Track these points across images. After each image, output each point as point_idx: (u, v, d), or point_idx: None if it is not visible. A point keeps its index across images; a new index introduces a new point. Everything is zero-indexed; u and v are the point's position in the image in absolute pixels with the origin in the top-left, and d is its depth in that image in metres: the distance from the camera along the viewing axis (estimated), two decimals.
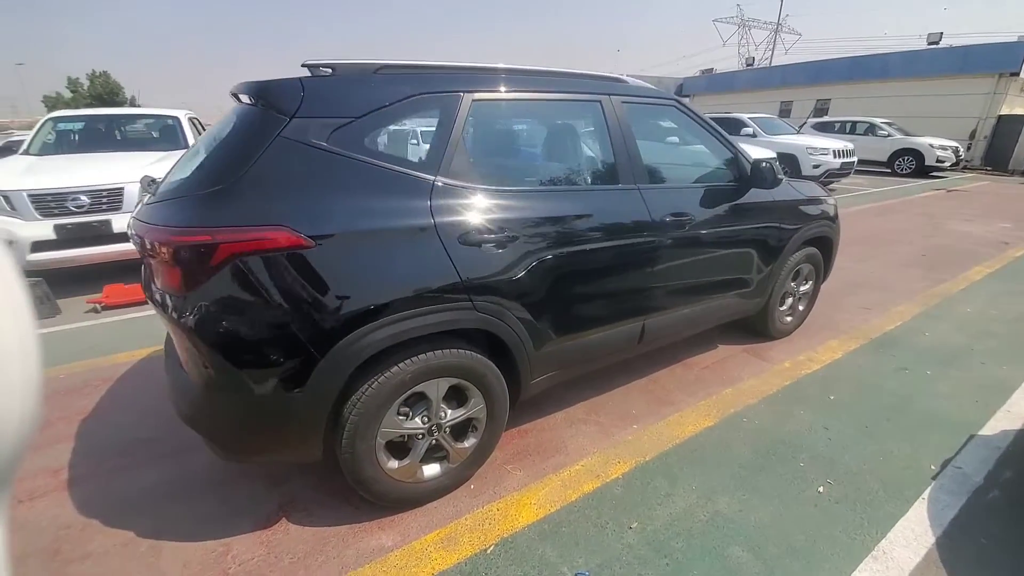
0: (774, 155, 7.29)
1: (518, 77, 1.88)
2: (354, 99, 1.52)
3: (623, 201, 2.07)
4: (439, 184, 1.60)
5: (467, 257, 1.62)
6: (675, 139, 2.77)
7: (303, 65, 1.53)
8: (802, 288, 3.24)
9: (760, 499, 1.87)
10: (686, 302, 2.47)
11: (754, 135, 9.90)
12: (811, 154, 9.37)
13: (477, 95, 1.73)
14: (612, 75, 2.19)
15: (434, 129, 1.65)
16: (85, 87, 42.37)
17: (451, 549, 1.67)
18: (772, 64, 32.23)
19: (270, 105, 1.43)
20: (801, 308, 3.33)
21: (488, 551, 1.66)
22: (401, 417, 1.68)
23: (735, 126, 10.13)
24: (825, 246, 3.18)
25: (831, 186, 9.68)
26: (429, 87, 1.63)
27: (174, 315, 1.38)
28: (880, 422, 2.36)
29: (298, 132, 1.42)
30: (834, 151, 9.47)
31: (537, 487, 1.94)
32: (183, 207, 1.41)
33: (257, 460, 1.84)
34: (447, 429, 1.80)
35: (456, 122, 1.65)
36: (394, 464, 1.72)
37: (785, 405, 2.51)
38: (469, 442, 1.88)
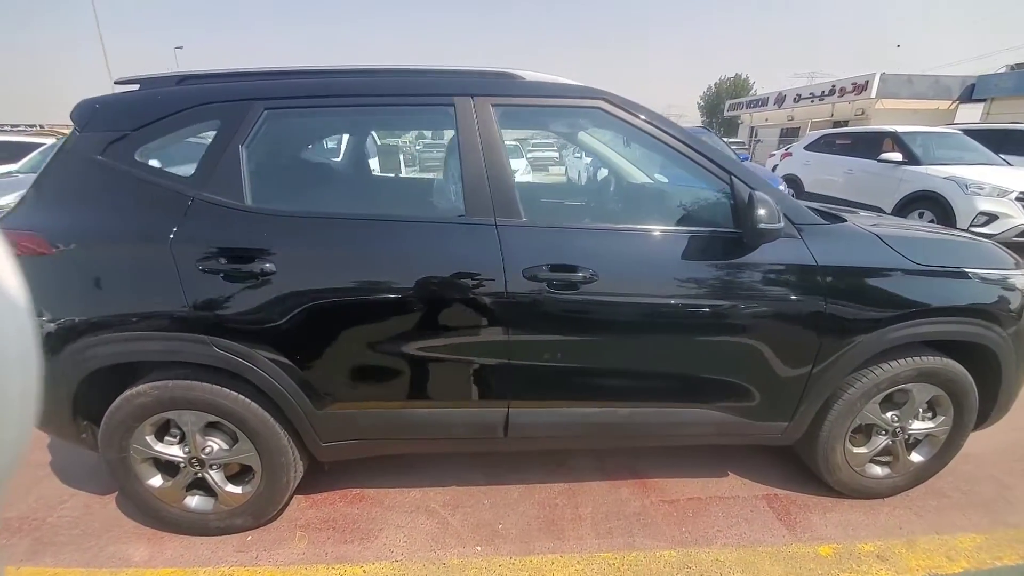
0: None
1: (335, 80, 1.57)
2: (133, 113, 1.52)
3: (462, 240, 1.51)
4: (197, 202, 1.46)
5: (206, 286, 1.43)
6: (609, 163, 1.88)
7: (115, 82, 1.62)
8: (917, 425, 1.82)
9: None
10: (597, 399, 1.67)
11: (905, 161, 5.94)
12: (974, 193, 5.18)
13: (273, 104, 1.51)
14: (492, 69, 1.61)
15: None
16: None
17: None
18: None
19: (73, 121, 1.56)
20: (916, 458, 1.88)
21: None
22: (158, 440, 1.62)
23: (869, 147, 6.47)
24: (984, 358, 1.72)
25: None
26: (213, 97, 1.50)
27: None
28: None
29: (78, 146, 1.50)
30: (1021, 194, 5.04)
31: (301, 571, 1.60)
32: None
33: None
34: (213, 466, 1.65)
35: (236, 134, 1.48)
36: (156, 482, 1.66)
37: None
38: (243, 489, 1.68)
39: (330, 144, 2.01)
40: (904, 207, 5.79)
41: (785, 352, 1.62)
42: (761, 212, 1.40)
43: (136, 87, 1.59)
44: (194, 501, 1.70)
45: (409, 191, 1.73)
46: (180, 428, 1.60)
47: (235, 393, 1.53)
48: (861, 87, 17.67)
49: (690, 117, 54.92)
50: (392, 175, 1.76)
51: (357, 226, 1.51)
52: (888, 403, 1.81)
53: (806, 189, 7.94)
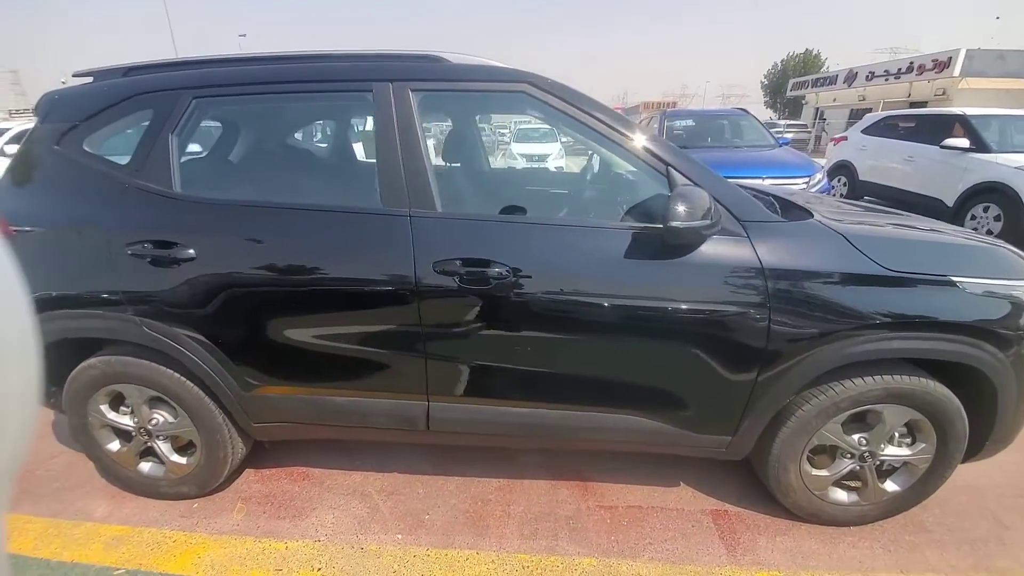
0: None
1: (260, 68, 1.56)
2: (84, 103, 1.60)
3: (374, 231, 1.48)
4: (131, 189, 1.53)
5: (136, 270, 1.51)
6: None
7: (72, 75, 1.71)
8: (892, 451, 1.62)
9: None
10: (520, 399, 1.61)
11: (975, 147, 5.10)
12: None
13: (201, 93, 1.54)
14: (415, 53, 1.53)
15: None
16: None
17: (113, 549, 1.65)
18: None
19: (35, 113, 1.67)
20: (891, 487, 1.67)
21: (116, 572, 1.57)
22: (112, 410, 1.75)
23: (938, 128, 5.54)
24: (977, 382, 1.48)
25: None
26: (147, 87, 1.56)
27: None
28: None
29: (39, 135, 1.61)
30: None
31: (230, 541, 1.69)
32: None
33: None
34: (160, 437, 1.76)
35: (167, 123, 1.53)
36: (113, 447, 1.80)
37: None
38: (187, 460, 1.79)
39: (296, 133, 2.02)
40: (967, 200, 5.11)
41: (723, 362, 1.48)
42: (679, 209, 1.26)
43: (91, 79, 1.68)
44: (147, 467, 1.83)
45: (336, 180, 1.72)
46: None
47: (171, 371, 1.62)
48: (943, 64, 15.65)
49: (753, 98, 51.19)
50: (329, 163, 1.74)
51: (276, 215, 1.53)
52: (856, 424, 1.62)
53: (860, 178, 7.20)
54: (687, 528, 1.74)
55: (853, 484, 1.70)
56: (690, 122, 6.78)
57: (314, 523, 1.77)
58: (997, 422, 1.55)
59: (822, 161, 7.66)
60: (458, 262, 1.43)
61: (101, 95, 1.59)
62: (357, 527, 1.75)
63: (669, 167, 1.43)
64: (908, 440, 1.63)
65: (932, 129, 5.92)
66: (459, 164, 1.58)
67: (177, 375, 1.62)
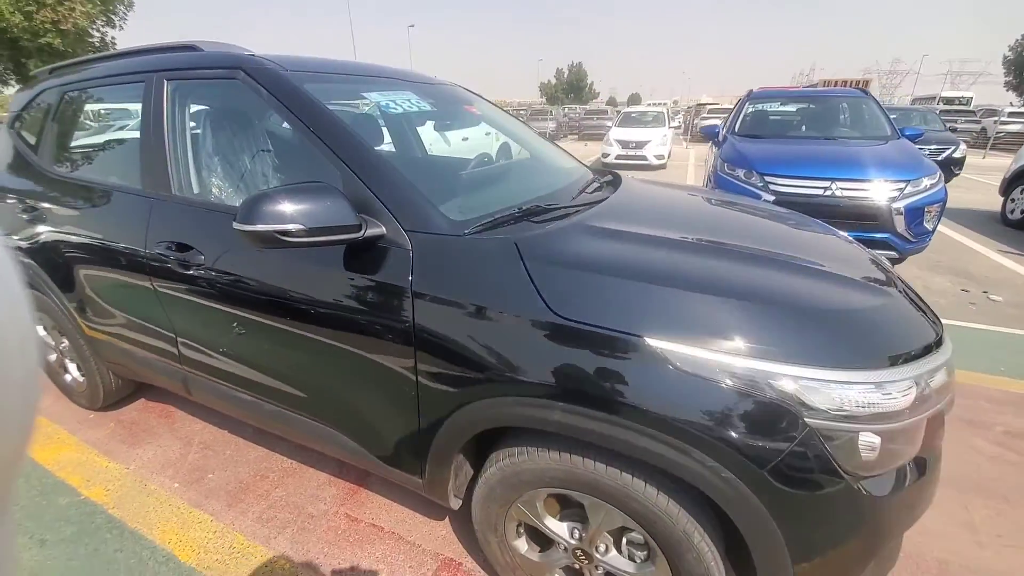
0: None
1: (95, 65, 1.83)
2: (23, 98, 2.10)
3: (131, 207, 1.64)
4: (35, 164, 1.99)
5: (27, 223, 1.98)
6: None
7: (31, 75, 2.23)
8: (614, 559, 1.18)
9: None
10: (241, 386, 1.62)
11: None
12: None
13: (65, 89, 1.92)
14: (178, 43, 1.56)
15: None
16: (565, 76, 58.06)
17: None
18: None
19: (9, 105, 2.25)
20: None
21: None
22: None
23: None
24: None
25: None
26: (46, 87, 2.00)
27: None
28: None
29: (8, 120, 2.18)
30: None
31: (81, 448, 2.11)
32: None
33: None
34: (67, 359, 2.28)
35: (51, 112, 1.95)
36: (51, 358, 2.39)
37: None
38: (82, 379, 2.27)
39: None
40: None
41: (384, 394, 1.27)
42: (243, 210, 1.09)
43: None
44: (68, 379, 2.37)
45: (126, 163, 1.91)
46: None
47: (47, 299, 2.05)
48: None
49: (994, 76, 37.82)
50: (126, 149, 2.01)
51: (80, 189, 1.83)
52: (573, 512, 1.23)
53: None
54: (402, 565, 1.56)
55: None
56: (776, 106, 5.44)
57: (138, 454, 2.08)
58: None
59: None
60: (170, 245, 1.51)
61: (30, 91, 2.09)
62: (157, 467, 2.01)
63: (348, 167, 1.25)
64: (642, 555, 1.17)
65: None
66: (220, 153, 1.63)
67: (51, 303, 2.05)
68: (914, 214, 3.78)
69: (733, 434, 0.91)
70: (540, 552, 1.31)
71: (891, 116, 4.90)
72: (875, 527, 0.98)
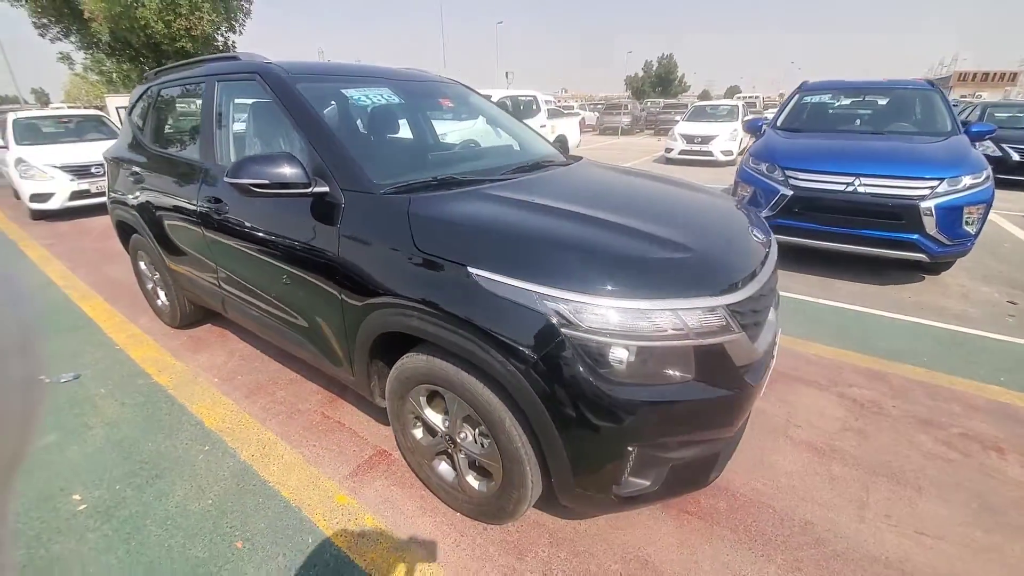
0: None
1: (171, 71, 2.54)
2: (135, 93, 2.90)
3: (189, 175, 2.29)
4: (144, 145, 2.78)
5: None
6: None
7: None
8: (470, 444, 1.55)
9: None
10: (253, 303, 2.20)
11: None
12: None
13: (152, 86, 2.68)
14: (223, 55, 2.15)
15: None
16: (653, 68, 55.35)
17: (133, 342, 3.08)
18: None
19: None
20: (473, 483, 1.59)
21: None
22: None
23: None
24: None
25: None
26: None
27: None
28: None
29: None
30: None
31: (155, 349, 2.89)
32: None
33: None
34: (158, 287, 3.10)
35: (148, 105, 2.71)
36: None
37: None
38: (162, 303, 3.08)
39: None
40: None
41: (325, 308, 1.74)
42: (232, 165, 1.63)
43: None
44: (153, 310, 3.21)
45: (196, 140, 2.52)
46: None
47: (146, 240, 2.84)
48: None
49: None
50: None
51: (164, 160, 2.55)
52: (443, 405, 1.62)
53: None
54: (347, 448, 2.05)
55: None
56: (827, 98, 5.10)
57: (196, 358, 2.81)
58: (546, 454, 1.33)
59: None
60: (209, 198, 2.13)
61: (138, 88, 2.88)
62: (206, 368, 2.70)
63: (310, 141, 1.75)
64: (486, 441, 1.53)
65: None
66: (246, 133, 2.25)
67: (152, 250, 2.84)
68: (949, 215, 3.50)
69: (517, 338, 1.25)
70: (428, 438, 1.72)
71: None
72: (620, 420, 1.23)
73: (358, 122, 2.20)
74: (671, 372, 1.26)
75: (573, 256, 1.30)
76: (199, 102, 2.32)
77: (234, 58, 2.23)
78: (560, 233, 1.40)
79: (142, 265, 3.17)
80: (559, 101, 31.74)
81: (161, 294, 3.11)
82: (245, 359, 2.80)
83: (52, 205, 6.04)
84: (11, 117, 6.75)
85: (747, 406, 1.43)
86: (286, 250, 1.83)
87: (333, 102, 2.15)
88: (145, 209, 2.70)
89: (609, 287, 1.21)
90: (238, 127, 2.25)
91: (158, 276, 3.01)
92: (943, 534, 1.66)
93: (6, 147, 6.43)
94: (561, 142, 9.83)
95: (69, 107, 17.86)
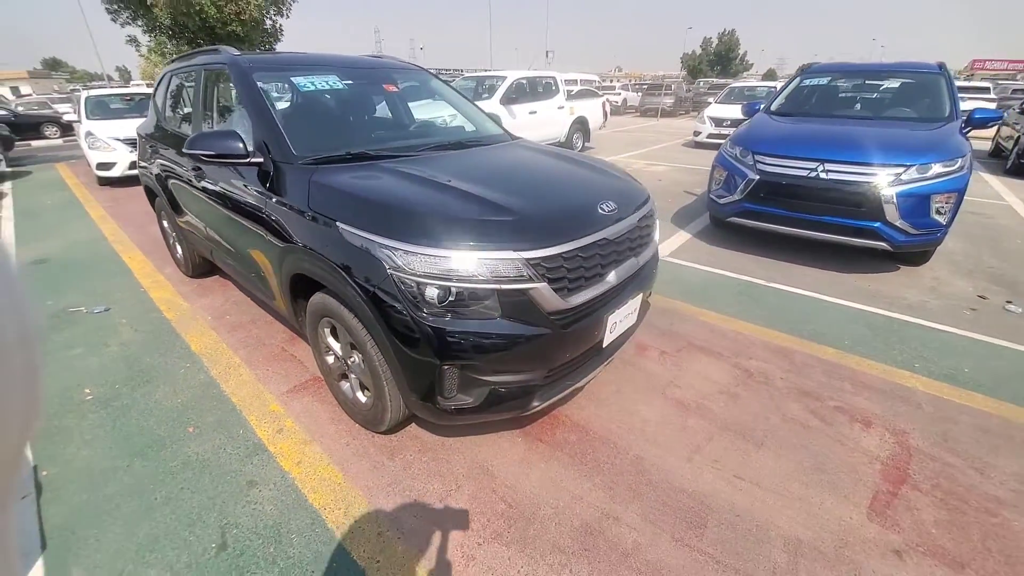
0: None
1: (181, 60, 3.02)
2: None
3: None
4: (162, 123, 3.35)
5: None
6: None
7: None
8: (353, 363, 1.97)
9: None
10: (228, 250, 2.69)
11: None
12: None
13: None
14: (209, 48, 2.59)
15: None
16: (712, 45, 51.99)
17: (155, 286, 3.75)
18: None
19: None
20: (362, 397, 2.01)
21: None
22: None
23: None
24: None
25: None
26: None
27: None
28: None
29: None
30: None
31: (175, 296, 3.51)
32: None
33: None
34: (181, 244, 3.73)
35: (164, 89, 3.25)
36: None
37: None
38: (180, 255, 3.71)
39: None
40: None
41: (264, 254, 2.19)
42: (192, 139, 2.08)
43: None
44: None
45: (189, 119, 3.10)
46: None
47: (164, 202, 3.44)
48: None
49: None
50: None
51: (172, 137, 3.09)
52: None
53: None
54: (291, 373, 2.53)
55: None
56: (824, 81, 4.92)
57: (200, 301, 3.40)
58: (391, 369, 1.72)
59: None
60: (193, 165, 2.64)
61: (160, 73, 3.43)
62: (205, 308, 3.28)
63: (255, 122, 2.18)
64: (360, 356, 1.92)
65: None
66: (221, 112, 2.73)
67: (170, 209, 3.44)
68: (913, 202, 3.45)
69: (364, 277, 1.62)
70: (335, 362, 2.15)
71: None
72: (433, 344, 1.56)
73: (299, 104, 2.61)
74: (477, 308, 1.59)
75: (404, 214, 1.65)
76: (193, 87, 2.82)
77: (216, 51, 2.70)
78: (412, 198, 1.74)
79: (164, 223, 3.81)
80: (603, 81, 30.83)
81: (178, 248, 3.74)
82: (236, 304, 3.37)
83: (114, 173, 7.01)
84: (84, 94, 7.80)
85: (560, 348, 1.72)
86: (240, 206, 2.29)
87: (285, 87, 2.57)
88: (162, 176, 3.28)
89: (424, 239, 1.55)
90: (219, 108, 2.72)
91: (176, 233, 3.62)
92: (759, 481, 1.88)
93: (79, 121, 7.46)
94: (581, 123, 9.84)
95: (148, 84, 19.72)
